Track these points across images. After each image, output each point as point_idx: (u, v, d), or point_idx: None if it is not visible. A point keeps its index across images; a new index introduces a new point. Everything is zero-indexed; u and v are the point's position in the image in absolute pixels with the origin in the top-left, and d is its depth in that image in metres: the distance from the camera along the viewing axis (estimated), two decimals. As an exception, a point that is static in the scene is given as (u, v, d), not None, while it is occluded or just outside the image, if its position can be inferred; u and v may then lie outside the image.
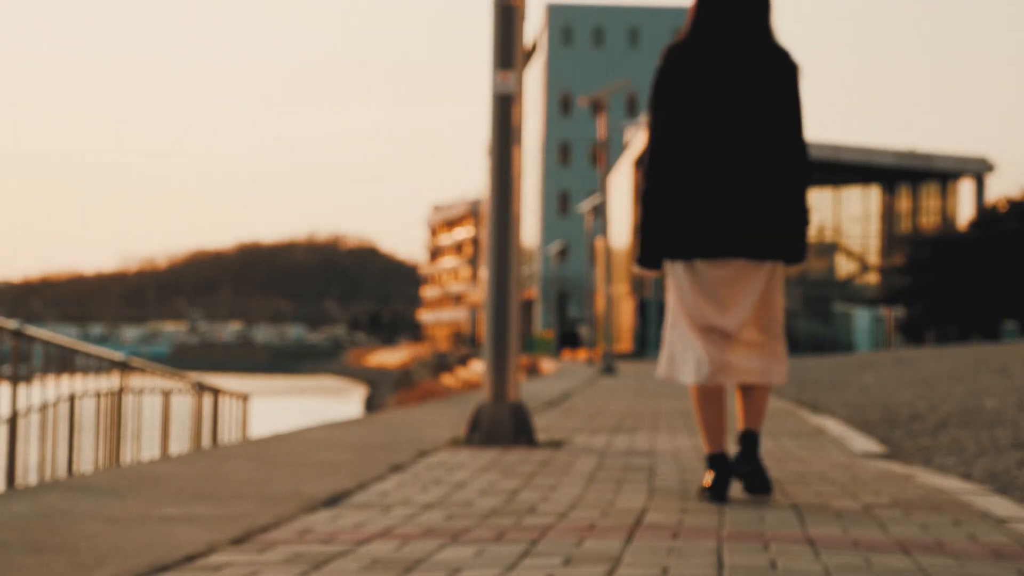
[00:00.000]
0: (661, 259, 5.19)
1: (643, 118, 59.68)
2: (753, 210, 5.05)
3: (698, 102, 5.08)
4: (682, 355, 5.18)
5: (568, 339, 64.85)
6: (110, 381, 10.84)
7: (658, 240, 5.14)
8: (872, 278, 62.95)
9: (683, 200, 5.08)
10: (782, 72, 5.11)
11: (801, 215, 5.13)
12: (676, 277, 5.16)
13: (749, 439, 5.18)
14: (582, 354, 52.47)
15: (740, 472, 5.16)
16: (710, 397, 5.16)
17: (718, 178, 5.06)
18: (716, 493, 5.04)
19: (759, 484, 5.15)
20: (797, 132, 5.11)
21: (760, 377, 5.15)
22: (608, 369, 27.59)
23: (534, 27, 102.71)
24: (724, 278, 5.10)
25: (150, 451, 11.84)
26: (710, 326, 5.12)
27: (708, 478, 5.07)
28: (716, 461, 5.08)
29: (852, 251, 63.84)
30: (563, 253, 62.74)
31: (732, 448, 5.81)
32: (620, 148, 74.31)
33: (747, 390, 5.24)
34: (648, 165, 5.16)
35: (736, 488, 5.29)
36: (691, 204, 5.07)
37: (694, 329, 5.13)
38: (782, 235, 5.09)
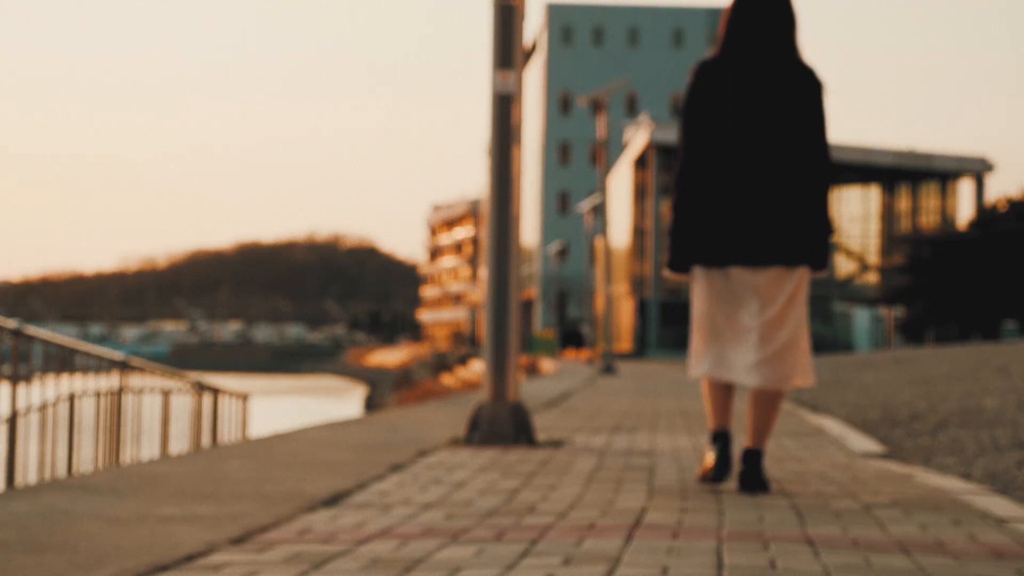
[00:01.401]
0: (690, 265, 5.42)
1: (642, 118, 59.65)
2: (785, 220, 5.27)
3: (728, 117, 5.30)
4: (701, 352, 5.41)
5: (571, 338, 64.84)
6: (110, 381, 10.84)
7: (690, 247, 5.35)
8: (872, 278, 62.99)
9: (716, 210, 5.29)
10: (808, 89, 5.34)
11: (826, 224, 5.36)
12: (704, 283, 5.37)
13: (752, 459, 5.29)
14: (584, 354, 52.46)
15: (739, 480, 5.32)
16: (718, 386, 5.41)
17: (749, 189, 5.27)
18: (716, 475, 5.29)
19: (757, 484, 5.25)
20: (822, 145, 5.34)
21: (780, 384, 5.34)
22: (608, 369, 27.60)
23: (534, 27, 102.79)
24: (758, 284, 5.30)
25: (150, 451, 11.84)
26: (734, 329, 5.33)
27: (710, 457, 5.29)
28: (719, 438, 5.33)
29: (852, 251, 63.87)
30: (563, 253, 62.74)
31: (735, 448, 5.82)
32: (620, 148, 74.31)
33: (760, 396, 5.33)
34: (680, 176, 5.38)
35: (734, 487, 5.33)
36: (726, 214, 5.28)
37: (716, 333, 5.37)
38: (810, 243, 5.32)
